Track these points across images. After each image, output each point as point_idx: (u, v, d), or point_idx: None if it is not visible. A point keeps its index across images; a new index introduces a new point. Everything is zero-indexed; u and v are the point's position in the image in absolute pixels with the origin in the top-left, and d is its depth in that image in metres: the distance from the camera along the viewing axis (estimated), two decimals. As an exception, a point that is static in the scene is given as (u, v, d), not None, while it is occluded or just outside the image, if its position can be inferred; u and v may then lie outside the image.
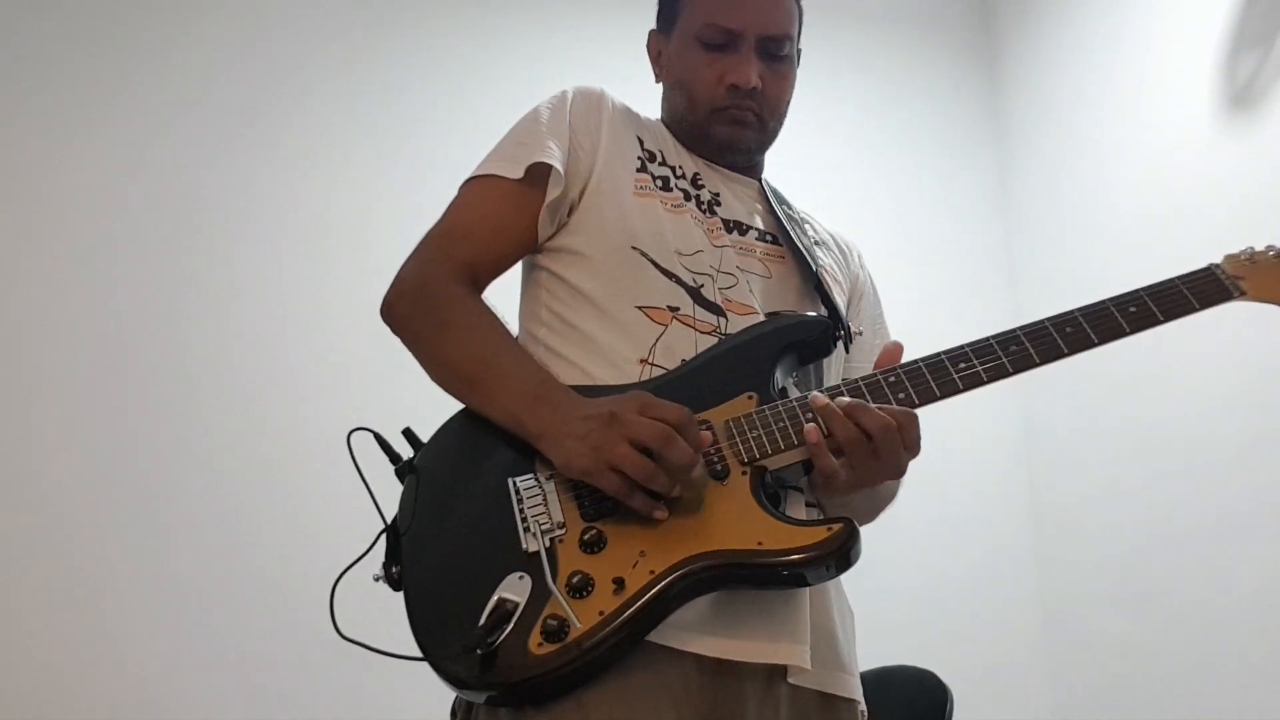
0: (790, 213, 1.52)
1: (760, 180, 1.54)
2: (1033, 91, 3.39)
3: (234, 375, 2.75)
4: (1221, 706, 2.62)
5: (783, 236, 1.47)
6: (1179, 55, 2.84)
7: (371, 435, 1.27)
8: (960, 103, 3.53)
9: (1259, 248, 1.32)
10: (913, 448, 1.22)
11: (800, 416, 1.22)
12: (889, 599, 3.01)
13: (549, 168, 1.37)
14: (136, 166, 2.80)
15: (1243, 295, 1.28)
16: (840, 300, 1.47)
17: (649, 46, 1.57)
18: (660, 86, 1.56)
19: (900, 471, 1.23)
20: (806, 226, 1.55)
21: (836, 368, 1.45)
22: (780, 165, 1.58)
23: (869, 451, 1.19)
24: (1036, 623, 3.23)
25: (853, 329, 1.44)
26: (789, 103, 1.50)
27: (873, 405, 1.20)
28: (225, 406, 2.73)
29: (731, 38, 1.43)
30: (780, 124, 1.51)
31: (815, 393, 1.23)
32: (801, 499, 1.27)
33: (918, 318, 3.27)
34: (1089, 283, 3.11)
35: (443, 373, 1.31)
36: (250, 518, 2.66)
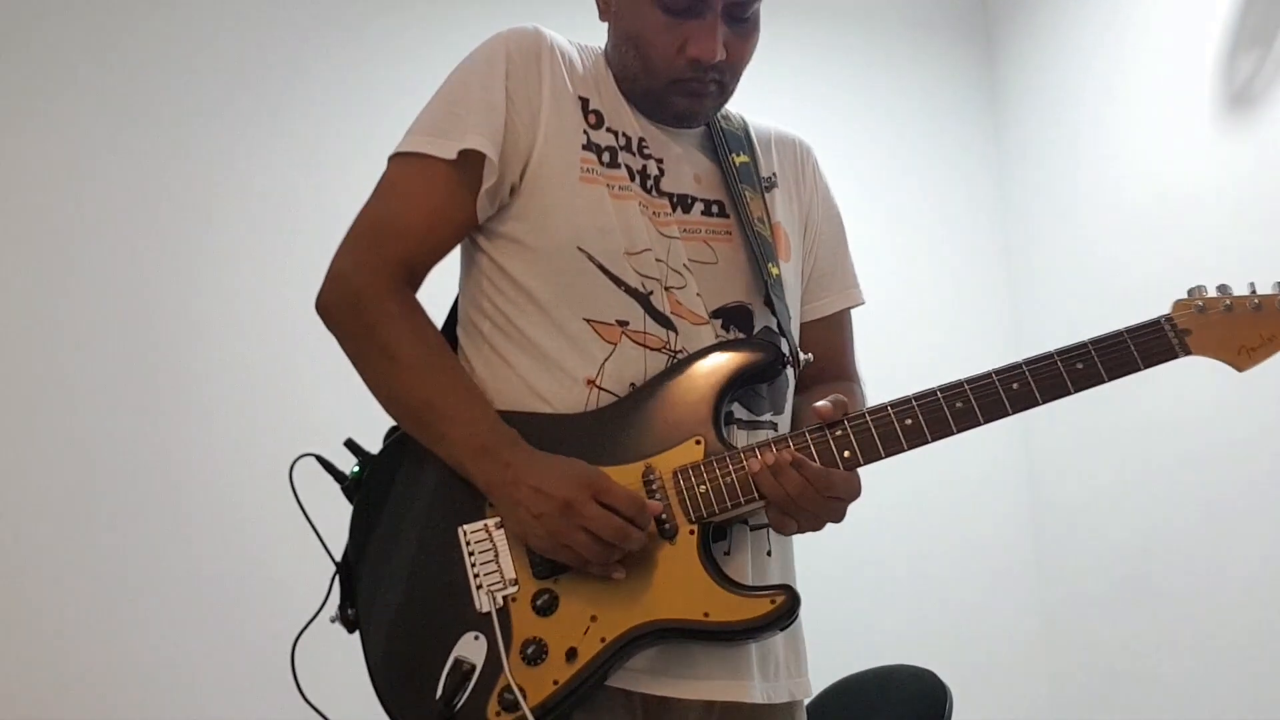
0: (735, 161, 1.42)
1: (707, 124, 1.44)
2: (1031, 91, 3.38)
3: (208, 374, 2.70)
4: (1221, 706, 2.62)
5: (729, 202, 1.40)
6: (1179, 54, 2.84)
7: (315, 459, 1.30)
8: (959, 102, 3.52)
9: (1211, 292, 1.25)
10: (848, 495, 1.24)
11: (746, 469, 1.24)
12: (889, 599, 3.02)
13: (482, 156, 1.29)
14: (98, 159, 2.72)
15: (1187, 352, 1.24)
16: (796, 255, 1.44)
17: None
18: (605, 25, 1.42)
19: (824, 523, 1.26)
20: (757, 164, 1.46)
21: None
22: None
23: (798, 507, 1.23)
24: (1036, 623, 3.23)
25: (802, 357, 1.40)
26: (751, 58, 1.38)
27: (792, 468, 1.21)
28: (201, 407, 2.68)
29: (695, 2, 1.28)
30: (739, 81, 1.39)
31: (752, 456, 1.23)
32: (746, 530, 1.30)
33: (916, 318, 3.30)
34: (1088, 283, 3.14)
35: (387, 404, 1.31)
36: (245, 522, 2.62)
